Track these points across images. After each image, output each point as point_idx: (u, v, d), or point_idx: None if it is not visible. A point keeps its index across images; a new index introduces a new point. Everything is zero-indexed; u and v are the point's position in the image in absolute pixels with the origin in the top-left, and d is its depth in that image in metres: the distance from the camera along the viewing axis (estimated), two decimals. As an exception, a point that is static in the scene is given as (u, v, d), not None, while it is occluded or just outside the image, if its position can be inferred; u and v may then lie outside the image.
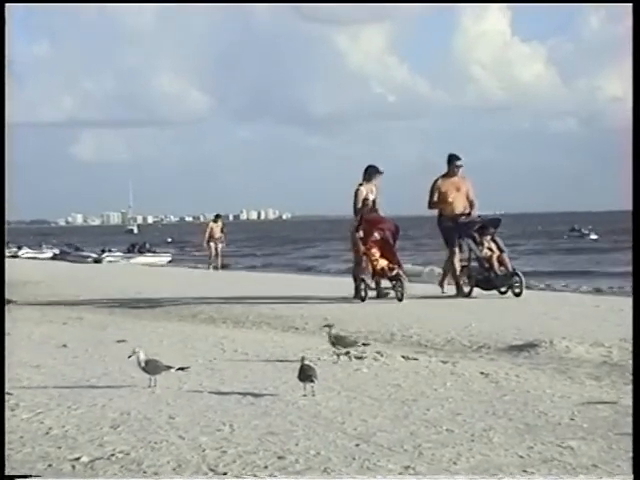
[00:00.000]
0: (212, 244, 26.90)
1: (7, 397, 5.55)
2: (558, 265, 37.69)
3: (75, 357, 7.58)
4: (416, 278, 19.16)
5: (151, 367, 5.88)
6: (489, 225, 13.10)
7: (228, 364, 7.08)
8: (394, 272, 12.44)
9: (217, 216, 28.44)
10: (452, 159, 13.30)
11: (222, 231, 27.28)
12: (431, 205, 13.28)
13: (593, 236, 63.85)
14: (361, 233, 12.69)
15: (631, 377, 6.43)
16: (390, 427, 4.85)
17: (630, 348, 7.56)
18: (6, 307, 10.59)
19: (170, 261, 40.18)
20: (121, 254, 40.82)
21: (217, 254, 27.01)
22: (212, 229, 27.14)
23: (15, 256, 39.53)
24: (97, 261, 37.13)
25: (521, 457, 4.28)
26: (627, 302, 11.24)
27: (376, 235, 12.66)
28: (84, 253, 42.04)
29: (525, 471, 4.06)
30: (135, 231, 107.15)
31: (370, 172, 13.09)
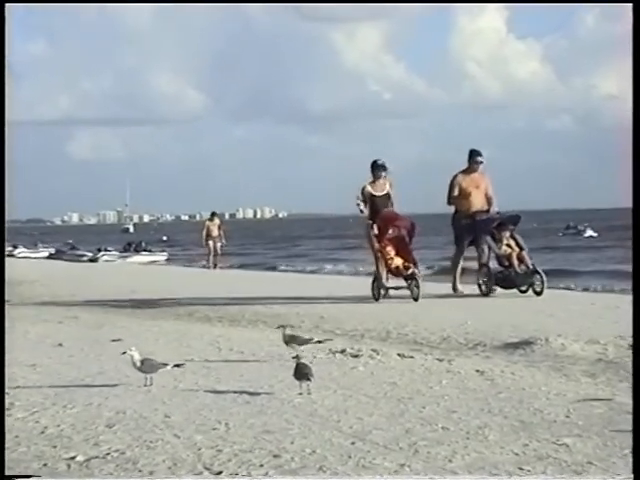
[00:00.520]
0: (210, 243, 26.83)
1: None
2: (553, 263, 37.72)
3: (71, 356, 7.58)
4: None
5: (147, 366, 5.87)
6: (508, 222, 12.83)
7: (224, 363, 7.08)
8: (409, 271, 12.16)
9: (213, 214, 28.34)
10: (473, 155, 13.04)
11: (219, 229, 27.16)
12: (450, 201, 13.03)
13: (590, 232, 63.75)
14: (375, 230, 12.48)
15: (627, 374, 6.45)
16: (386, 425, 4.85)
17: (626, 345, 7.58)
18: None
19: (166, 260, 40.16)
20: (117, 253, 40.75)
21: (216, 253, 26.91)
22: (209, 228, 27.07)
23: (10, 255, 39.46)
24: (93, 260, 37.08)
25: (516, 454, 4.28)
26: (622, 299, 11.28)
27: (391, 233, 12.42)
28: (80, 252, 41.96)
29: (520, 468, 4.06)
30: (131, 230, 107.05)
31: (373, 168, 12.86)
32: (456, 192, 12.88)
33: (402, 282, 12.30)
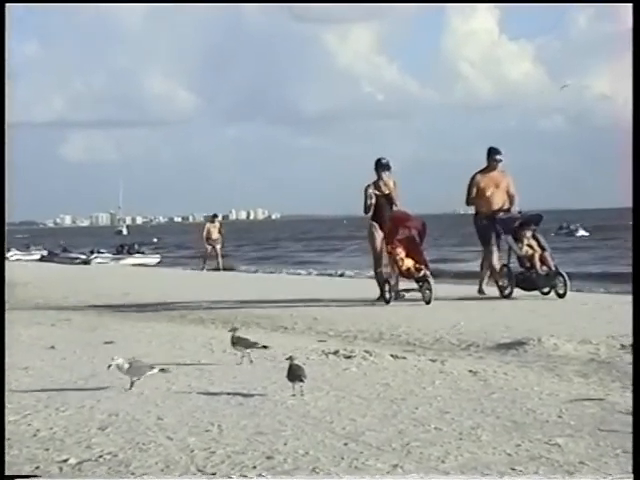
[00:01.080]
0: (209, 246, 26.49)
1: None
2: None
3: (63, 359, 7.56)
4: None
5: (134, 369, 5.83)
6: (529, 221, 12.48)
7: (217, 364, 7.07)
8: (421, 273, 11.82)
9: (214, 216, 27.82)
10: (491, 153, 12.70)
11: (220, 232, 26.80)
12: (469, 202, 12.75)
13: (582, 232, 63.89)
14: (378, 230, 12.26)
15: (619, 374, 6.47)
16: (379, 426, 4.85)
17: (618, 345, 7.60)
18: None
19: (159, 262, 40.12)
20: (110, 255, 40.71)
21: (216, 255, 26.51)
22: (209, 230, 26.68)
23: (4, 258, 39.33)
24: (86, 262, 37.02)
25: (509, 455, 4.29)
26: (615, 299, 11.32)
27: (401, 233, 12.11)
28: (72, 254, 41.91)
29: (513, 469, 4.07)
30: (124, 232, 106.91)
31: (377, 167, 12.64)
32: (474, 192, 12.58)
33: (413, 284, 12.02)
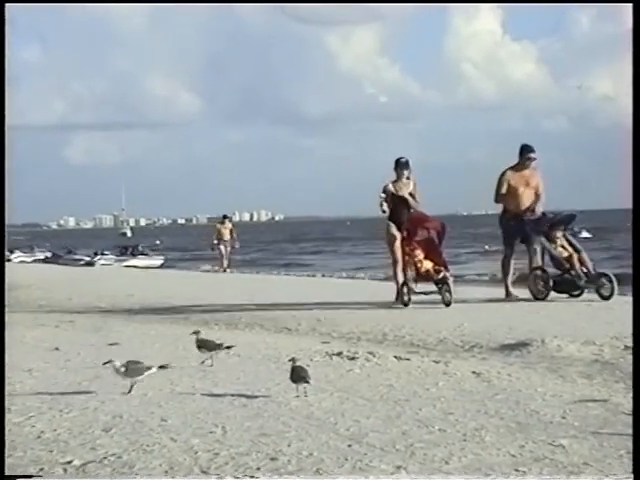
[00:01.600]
0: (222, 247, 26.25)
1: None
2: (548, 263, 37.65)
3: (67, 360, 7.57)
4: None
5: (132, 370, 5.79)
6: (561, 222, 12.13)
7: (220, 366, 7.07)
8: (440, 275, 11.55)
9: (224, 217, 27.55)
10: (524, 150, 12.28)
11: (231, 233, 26.51)
12: (498, 199, 12.27)
13: (585, 234, 63.82)
14: (395, 231, 12.04)
15: (622, 375, 6.46)
16: (382, 427, 4.85)
17: (622, 346, 7.60)
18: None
19: (163, 264, 40.16)
20: (114, 257, 40.75)
21: (225, 256, 26.32)
22: (220, 231, 26.44)
23: (7, 260, 39.41)
24: (89, 264, 37.05)
25: (513, 456, 4.29)
26: (618, 300, 11.29)
27: (420, 235, 11.84)
28: (76, 256, 41.95)
29: (517, 470, 4.07)
30: (129, 234, 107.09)
31: (396, 167, 12.31)
32: (504, 189, 12.11)
33: (432, 286, 11.72)
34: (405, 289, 11.72)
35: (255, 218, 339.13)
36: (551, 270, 11.95)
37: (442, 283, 11.50)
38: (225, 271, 25.93)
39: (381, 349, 7.91)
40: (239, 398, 5.64)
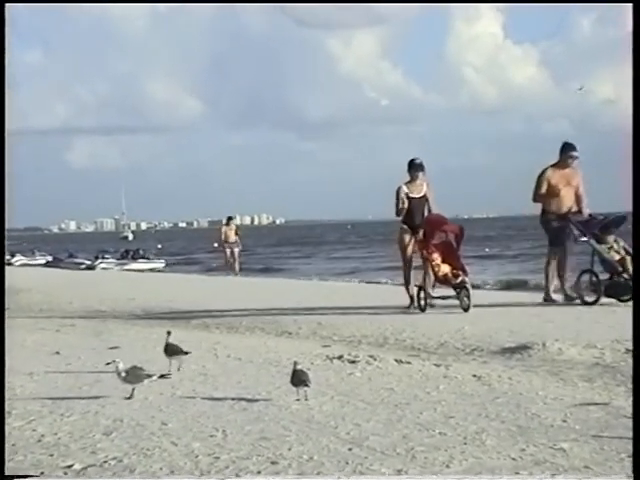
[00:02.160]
0: (227, 249, 25.99)
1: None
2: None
3: (68, 364, 7.57)
4: None
5: (132, 376, 5.78)
6: (612, 224, 11.65)
7: (221, 370, 7.08)
8: (459, 279, 11.24)
9: (229, 218, 27.22)
10: (566, 148, 11.85)
11: (237, 234, 26.31)
12: (537, 198, 11.83)
13: (585, 238, 63.81)
14: (407, 235, 11.81)
15: (623, 379, 6.45)
16: (383, 431, 4.85)
17: (623, 349, 7.59)
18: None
19: (164, 267, 40.16)
20: (115, 260, 40.77)
21: (234, 259, 26.00)
22: (226, 233, 26.14)
23: (8, 264, 39.43)
24: (90, 268, 37.07)
25: (514, 459, 4.28)
26: (619, 303, 11.27)
27: (437, 238, 11.52)
28: (77, 260, 41.96)
29: (518, 473, 4.06)
30: (130, 237, 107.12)
31: (410, 168, 12.00)
32: (544, 189, 11.69)
33: (449, 291, 11.43)
34: (422, 294, 11.44)
35: (256, 222, 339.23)
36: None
37: (460, 288, 11.21)
38: (235, 275, 25.45)
39: (382, 352, 7.90)
40: (240, 402, 5.65)
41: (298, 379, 5.62)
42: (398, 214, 11.96)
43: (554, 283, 11.90)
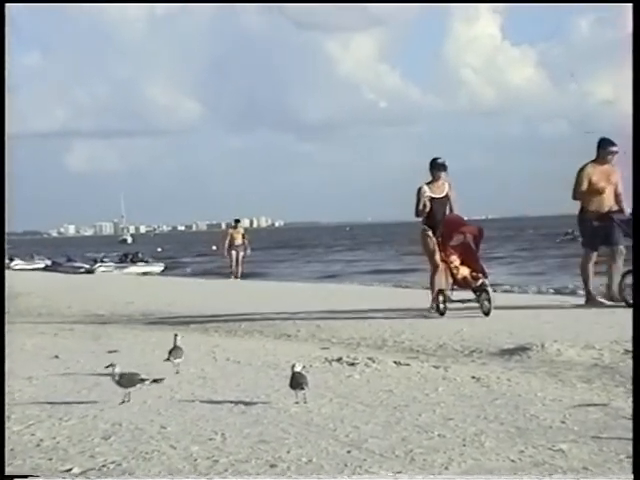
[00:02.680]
0: (233, 252, 25.35)
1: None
2: (550, 268, 37.80)
3: (67, 368, 7.57)
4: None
5: (125, 380, 5.75)
6: None
7: (220, 373, 7.08)
8: (479, 282, 10.90)
9: (236, 221, 26.78)
10: (604, 144, 11.43)
11: (243, 237, 25.68)
12: (577, 196, 11.41)
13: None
14: (431, 235, 11.42)
15: (622, 380, 6.45)
16: (382, 433, 4.85)
17: (621, 350, 7.59)
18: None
19: (163, 270, 40.18)
20: (114, 264, 40.80)
21: (237, 262, 25.40)
22: (232, 236, 25.56)
23: (7, 267, 39.41)
24: (89, 272, 37.06)
25: (512, 461, 4.28)
26: (618, 304, 11.26)
27: (456, 240, 11.20)
28: (76, 264, 41.97)
29: (517, 475, 4.06)
30: (129, 241, 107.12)
31: (431, 168, 11.65)
32: (584, 186, 11.26)
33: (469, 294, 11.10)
34: (441, 297, 11.14)
35: (255, 224, 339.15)
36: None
37: (480, 291, 10.89)
38: (237, 278, 25.11)
39: (381, 355, 7.90)
40: (238, 405, 5.64)
41: (296, 382, 5.62)
42: (418, 215, 11.61)
43: (595, 284, 11.54)
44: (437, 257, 11.42)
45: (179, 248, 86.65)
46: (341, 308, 12.48)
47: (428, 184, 11.65)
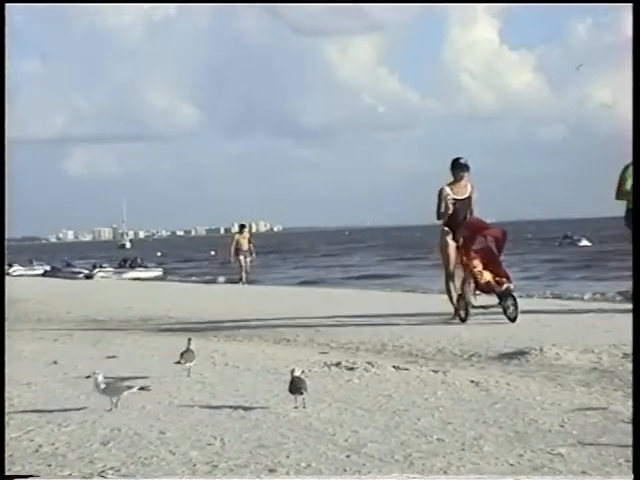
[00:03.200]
0: (241, 257, 25.15)
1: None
2: (548, 271, 37.82)
3: (65, 374, 7.56)
4: None
5: (111, 389, 5.70)
6: None
7: (219, 378, 7.07)
8: (504, 287, 10.54)
9: (242, 226, 26.67)
10: None
11: (250, 242, 25.47)
12: (620, 196, 11.07)
13: (585, 242, 64.14)
14: (450, 240, 11.09)
15: (621, 383, 6.46)
16: (381, 437, 4.85)
17: (620, 354, 7.59)
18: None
19: (161, 275, 40.15)
20: (112, 269, 40.78)
21: (244, 268, 25.17)
22: (238, 241, 25.32)
23: (6, 273, 39.41)
24: (88, 277, 37.04)
25: (511, 465, 4.28)
26: (616, 308, 11.29)
27: (478, 243, 10.85)
28: (75, 269, 41.94)
29: (516, 479, 4.06)
30: (128, 246, 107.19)
31: (453, 168, 11.26)
32: (629, 185, 10.80)
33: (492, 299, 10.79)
34: (462, 303, 10.82)
35: (254, 229, 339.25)
36: None
37: (506, 296, 10.52)
38: (244, 284, 24.87)
39: (380, 359, 7.90)
40: (237, 410, 5.64)
41: (296, 387, 5.62)
42: (440, 217, 11.22)
43: None
44: (452, 262, 11.09)
45: (178, 253, 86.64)
46: (340, 313, 12.49)
47: (449, 185, 11.25)
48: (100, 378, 5.71)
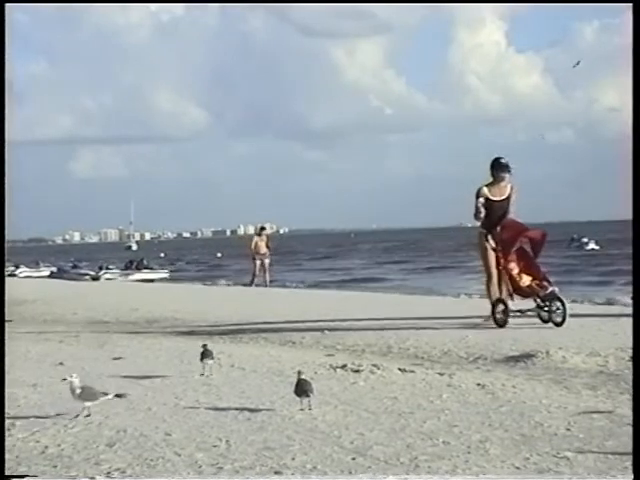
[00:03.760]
0: (257, 260, 25.06)
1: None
2: (555, 274, 37.72)
3: (72, 375, 7.55)
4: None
5: (86, 394, 5.59)
6: None
7: (225, 379, 7.07)
8: (548, 290, 10.22)
9: (262, 229, 26.50)
10: None
11: (267, 245, 25.38)
12: None
13: (592, 245, 64.08)
14: (492, 242, 10.72)
15: (627, 387, 6.44)
16: (387, 440, 4.85)
17: (626, 357, 7.58)
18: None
19: (168, 277, 40.17)
20: (118, 271, 40.78)
21: (264, 270, 25.06)
22: (257, 244, 25.24)
23: (13, 275, 39.50)
24: (95, 279, 37.06)
25: (517, 468, 4.28)
26: (623, 311, 11.25)
27: (516, 245, 10.54)
28: (82, 271, 41.96)
29: (521, 482, 4.06)
30: (134, 248, 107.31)
31: (493, 168, 10.95)
32: None
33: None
34: (500, 307, 10.50)
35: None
36: None
37: (551, 299, 10.20)
38: (267, 286, 24.65)
39: (385, 361, 7.89)
40: (243, 412, 5.64)
41: (301, 389, 5.62)
42: (475, 218, 10.98)
43: None
44: (493, 264, 10.84)
45: (183, 254, 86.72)
46: (346, 315, 12.48)
47: (488, 186, 10.95)
48: (76, 382, 5.57)
